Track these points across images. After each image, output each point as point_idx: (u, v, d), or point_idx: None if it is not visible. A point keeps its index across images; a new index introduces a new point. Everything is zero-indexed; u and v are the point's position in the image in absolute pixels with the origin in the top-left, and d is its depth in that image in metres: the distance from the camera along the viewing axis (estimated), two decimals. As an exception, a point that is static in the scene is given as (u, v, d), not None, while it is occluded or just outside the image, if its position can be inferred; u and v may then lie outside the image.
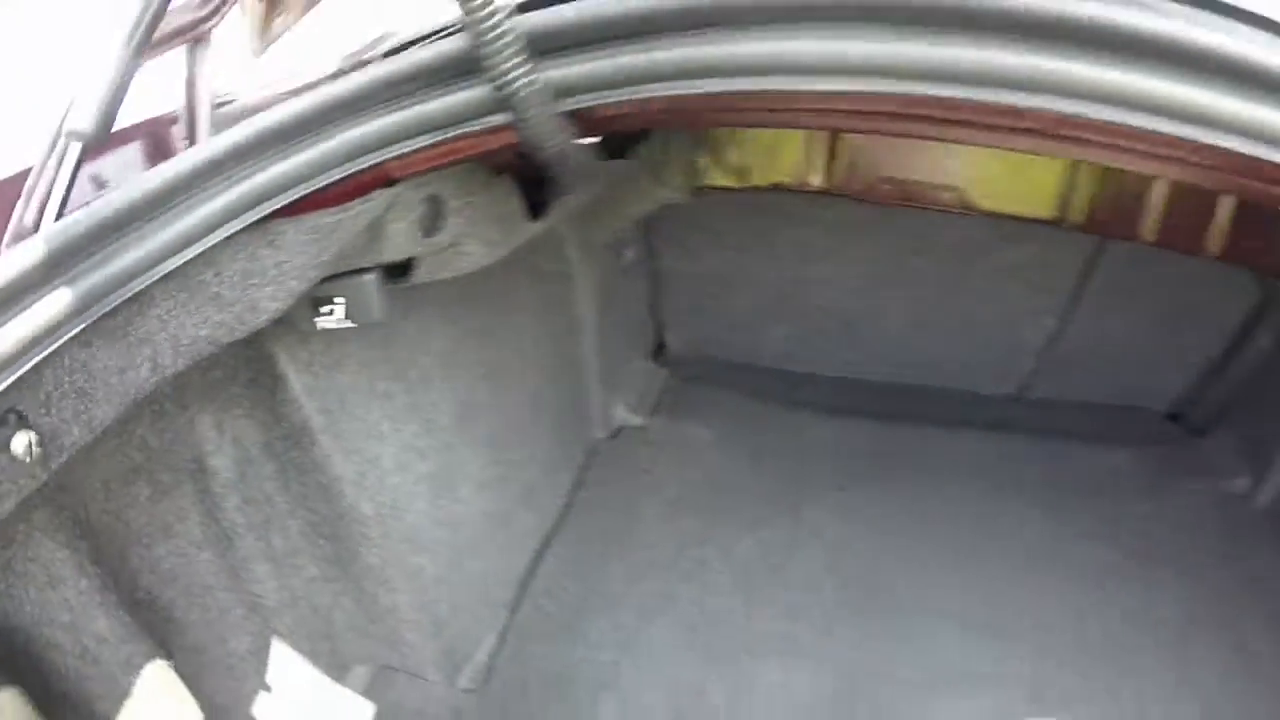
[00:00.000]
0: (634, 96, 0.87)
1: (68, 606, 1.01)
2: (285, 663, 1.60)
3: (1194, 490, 2.55)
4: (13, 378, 0.73)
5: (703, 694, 1.80)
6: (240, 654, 1.50)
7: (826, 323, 2.70)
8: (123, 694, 1.11)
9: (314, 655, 1.65)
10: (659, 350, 2.82)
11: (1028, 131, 0.88)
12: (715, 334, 2.80)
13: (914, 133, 0.94)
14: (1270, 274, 2.26)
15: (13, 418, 0.77)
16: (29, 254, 0.69)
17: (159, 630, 1.27)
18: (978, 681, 1.90)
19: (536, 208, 1.47)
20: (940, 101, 0.83)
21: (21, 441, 0.78)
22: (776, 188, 2.23)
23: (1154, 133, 0.81)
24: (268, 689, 1.57)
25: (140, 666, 1.12)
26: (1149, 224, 2.21)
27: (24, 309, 0.73)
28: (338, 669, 1.72)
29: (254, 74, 1.09)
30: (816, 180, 2.21)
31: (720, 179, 2.26)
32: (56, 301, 0.74)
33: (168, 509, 1.27)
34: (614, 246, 2.31)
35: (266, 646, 1.57)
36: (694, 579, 2.04)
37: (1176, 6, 0.81)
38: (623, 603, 1.97)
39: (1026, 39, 0.80)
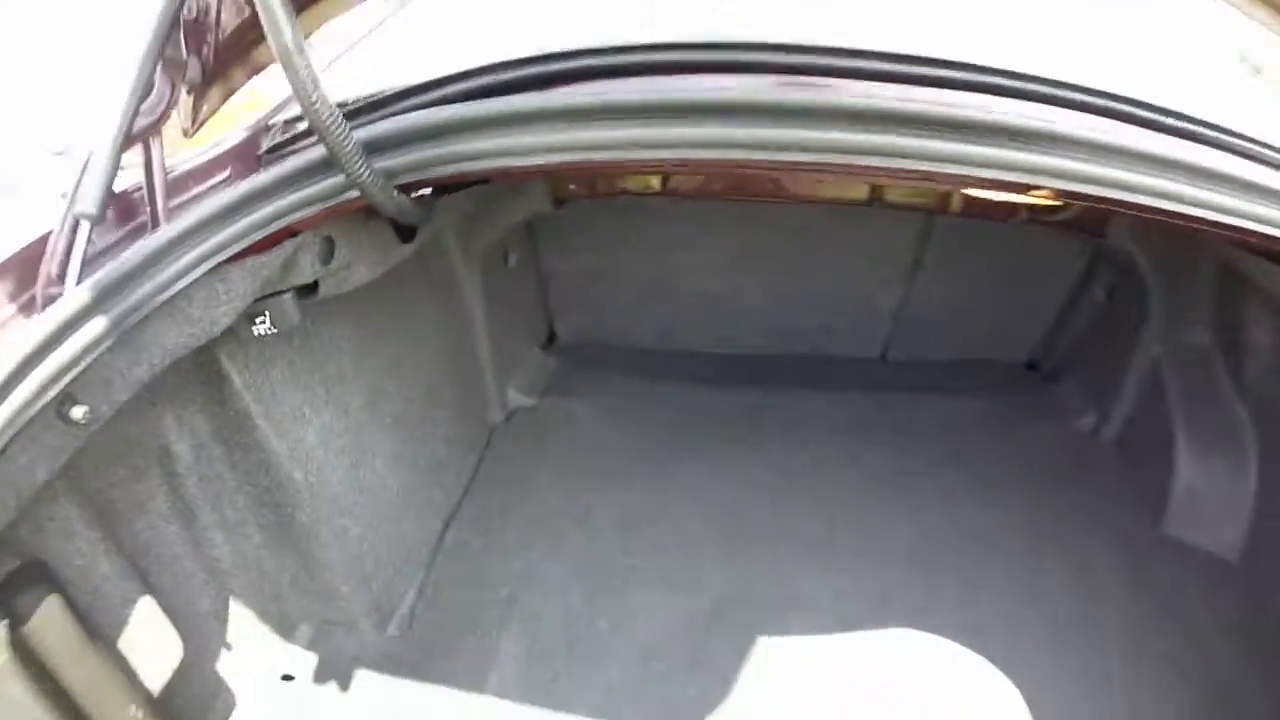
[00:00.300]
0: (446, 170, 1.34)
1: (81, 553, 1.38)
2: (242, 621, 1.90)
3: (1044, 429, 2.80)
4: (73, 373, 1.11)
5: (590, 620, 2.09)
6: (204, 614, 1.78)
7: (695, 304, 3.01)
8: (122, 622, 1.47)
9: (265, 614, 1.95)
10: (551, 339, 3.13)
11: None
12: (599, 322, 3.11)
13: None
14: (1087, 234, 2.53)
15: (70, 398, 1.15)
16: (81, 296, 1.07)
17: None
18: (830, 599, 2.16)
19: (409, 235, 1.86)
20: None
21: (79, 411, 1.17)
22: (624, 193, 2.56)
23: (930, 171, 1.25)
24: (229, 646, 1.86)
25: (135, 601, 1.49)
26: (957, 201, 2.52)
27: (79, 330, 1.11)
28: (286, 628, 2.00)
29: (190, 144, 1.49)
30: (656, 184, 2.53)
31: (575, 189, 2.58)
32: (97, 325, 1.12)
33: (142, 489, 1.60)
34: (498, 253, 2.62)
35: (225, 607, 1.86)
36: (581, 527, 2.34)
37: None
38: (520, 550, 2.27)
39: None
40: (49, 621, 1.16)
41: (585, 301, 3.08)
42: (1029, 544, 2.35)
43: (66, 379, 1.09)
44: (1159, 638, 2.10)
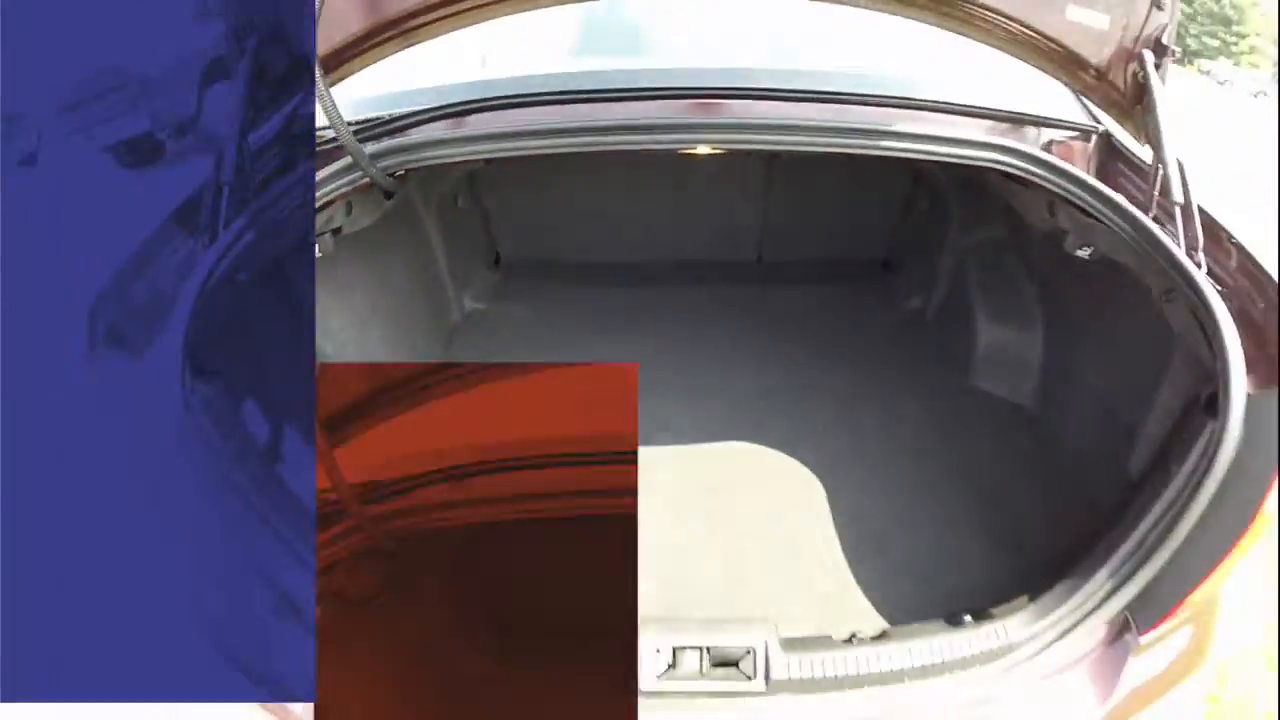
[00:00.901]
0: (413, 164, 2.38)
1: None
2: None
3: (880, 311, 3.51)
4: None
5: None
6: None
7: (603, 226, 3.87)
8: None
9: None
10: (497, 260, 4.00)
11: None
12: (532, 244, 3.96)
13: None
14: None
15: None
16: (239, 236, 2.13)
17: None
18: (687, 425, 2.83)
19: (390, 196, 2.79)
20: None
21: None
22: None
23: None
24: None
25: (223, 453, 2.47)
26: None
27: (234, 252, 2.07)
28: None
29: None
30: None
31: None
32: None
33: None
34: (450, 199, 3.50)
35: None
36: None
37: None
38: None
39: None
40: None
41: (520, 230, 3.93)
42: (853, 391, 2.97)
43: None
44: (950, 454, 2.65)
